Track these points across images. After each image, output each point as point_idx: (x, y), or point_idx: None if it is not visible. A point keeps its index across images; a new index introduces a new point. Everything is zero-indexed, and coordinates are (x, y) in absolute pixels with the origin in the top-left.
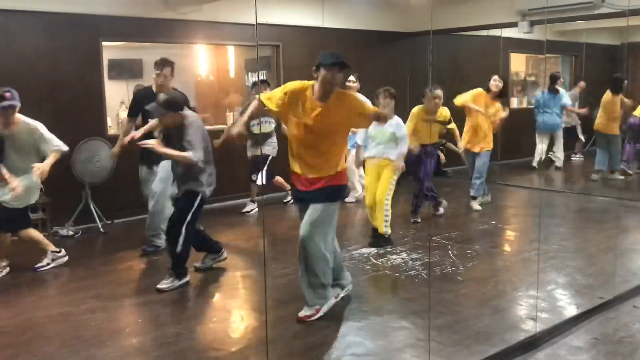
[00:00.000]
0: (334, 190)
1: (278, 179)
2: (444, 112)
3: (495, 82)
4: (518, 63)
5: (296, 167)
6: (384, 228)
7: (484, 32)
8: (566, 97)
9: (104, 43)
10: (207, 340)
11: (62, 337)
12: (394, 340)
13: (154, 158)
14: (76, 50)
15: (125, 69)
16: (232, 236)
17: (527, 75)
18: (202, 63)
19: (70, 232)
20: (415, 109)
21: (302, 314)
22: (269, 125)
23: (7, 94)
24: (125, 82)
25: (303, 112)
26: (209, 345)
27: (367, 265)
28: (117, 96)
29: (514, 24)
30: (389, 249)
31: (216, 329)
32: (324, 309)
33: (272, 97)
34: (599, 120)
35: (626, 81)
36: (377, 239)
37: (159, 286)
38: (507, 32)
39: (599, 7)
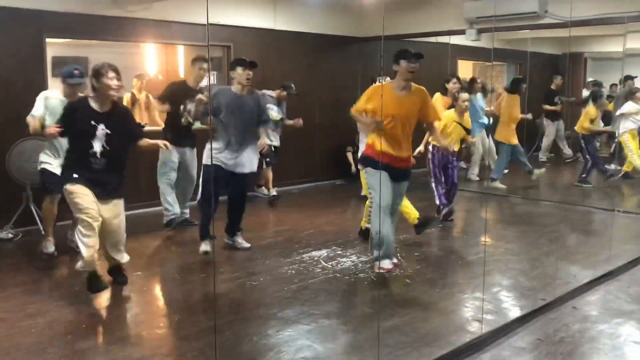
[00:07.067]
0: (409, 172)
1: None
2: (468, 123)
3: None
4: (465, 70)
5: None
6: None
7: (433, 39)
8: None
9: (47, 39)
10: (153, 345)
11: None
12: (344, 344)
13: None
14: (18, 46)
15: None
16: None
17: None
18: (151, 62)
19: (10, 235)
20: (449, 112)
21: (388, 266)
22: (277, 114)
23: (76, 72)
24: None
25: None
26: (155, 351)
27: (317, 268)
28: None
29: (462, 32)
30: (339, 252)
31: (163, 334)
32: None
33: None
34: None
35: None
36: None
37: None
38: (455, 40)
39: (542, 17)
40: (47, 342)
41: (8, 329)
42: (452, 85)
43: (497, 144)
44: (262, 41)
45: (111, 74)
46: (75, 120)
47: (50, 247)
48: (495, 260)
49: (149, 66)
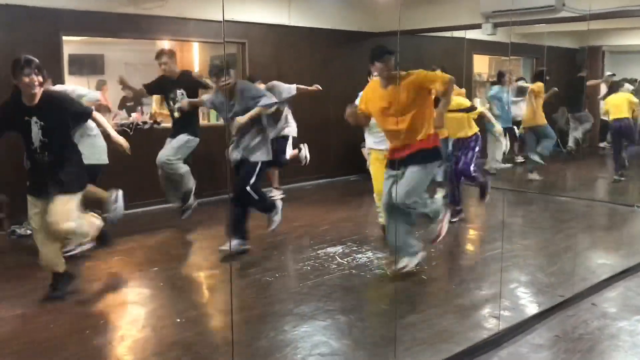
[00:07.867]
0: (426, 153)
1: (294, 151)
2: (463, 101)
3: None
4: (481, 64)
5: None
6: None
7: (449, 34)
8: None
9: (64, 37)
10: (171, 341)
11: (17, 341)
12: (360, 340)
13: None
14: (35, 44)
15: (86, 65)
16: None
17: (489, 77)
18: None
19: (29, 231)
20: None
21: (400, 264)
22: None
23: None
24: (86, 77)
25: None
26: (173, 346)
27: (333, 264)
28: None
29: (477, 26)
30: (354, 248)
31: (181, 329)
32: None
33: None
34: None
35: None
36: None
37: (222, 247)
38: (470, 34)
39: (560, 11)
40: (65, 337)
41: (27, 324)
42: None
43: (535, 132)
44: (277, 37)
45: (27, 70)
46: (10, 116)
47: None
48: (512, 256)
49: None
